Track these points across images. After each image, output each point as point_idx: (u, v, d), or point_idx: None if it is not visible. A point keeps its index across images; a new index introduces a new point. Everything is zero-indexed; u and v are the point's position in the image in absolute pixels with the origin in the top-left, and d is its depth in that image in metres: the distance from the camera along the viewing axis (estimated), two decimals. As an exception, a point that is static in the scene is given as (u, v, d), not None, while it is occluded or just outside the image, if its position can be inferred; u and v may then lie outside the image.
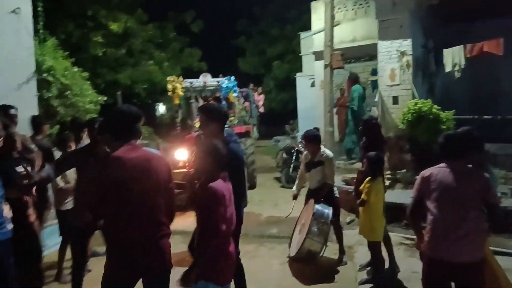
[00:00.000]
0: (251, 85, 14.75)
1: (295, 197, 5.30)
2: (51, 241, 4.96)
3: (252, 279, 4.50)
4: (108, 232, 2.55)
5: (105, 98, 8.55)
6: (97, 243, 4.60)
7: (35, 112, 6.67)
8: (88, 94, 7.94)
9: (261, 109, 15.45)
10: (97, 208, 2.49)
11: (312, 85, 12.33)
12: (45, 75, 7.12)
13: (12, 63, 6.38)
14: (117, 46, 15.62)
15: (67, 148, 4.36)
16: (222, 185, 2.68)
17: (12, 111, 4.28)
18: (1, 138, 2.89)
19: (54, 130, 6.87)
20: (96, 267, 3.73)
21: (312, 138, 4.96)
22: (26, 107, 6.02)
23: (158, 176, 2.52)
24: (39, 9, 7.53)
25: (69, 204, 4.35)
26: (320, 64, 9.93)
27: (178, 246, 5.03)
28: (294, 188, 5.34)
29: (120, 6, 15.50)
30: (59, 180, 4.27)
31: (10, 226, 2.87)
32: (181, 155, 7.19)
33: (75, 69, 8.03)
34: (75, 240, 3.96)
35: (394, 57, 7.71)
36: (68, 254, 4.73)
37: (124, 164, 2.42)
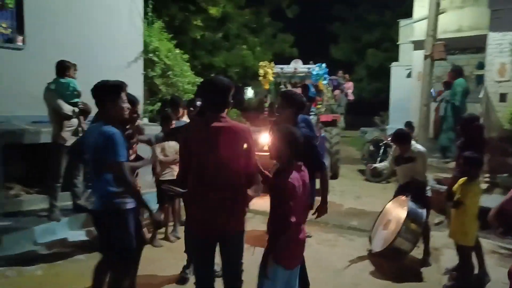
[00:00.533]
0: (340, 72, 14.42)
1: (370, 167, 5.66)
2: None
3: (330, 266, 4.57)
4: (187, 195, 2.80)
5: (202, 80, 9.03)
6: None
7: (141, 89, 7.31)
8: (187, 75, 8.47)
9: (350, 97, 15.07)
10: (183, 172, 2.78)
11: (409, 76, 11.73)
12: (151, 55, 7.75)
13: (124, 43, 7.06)
14: (215, 30, 16.22)
15: (170, 125, 4.71)
16: (294, 176, 2.63)
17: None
18: (128, 112, 3.14)
19: (156, 107, 7.47)
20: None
21: (401, 138, 4.70)
22: (133, 84, 6.62)
23: (237, 145, 2.63)
24: (149, -8, 8.15)
25: (167, 175, 4.74)
26: (419, 54, 9.39)
27: (259, 226, 5.28)
28: (378, 163, 5.57)
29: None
30: (159, 153, 4.68)
31: None
32: (267, 139, 7.37)
33: (177, 50, 8.58)
34: None
35: (506, 50, 7.07)
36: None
37: (206, 131, 2.61)
